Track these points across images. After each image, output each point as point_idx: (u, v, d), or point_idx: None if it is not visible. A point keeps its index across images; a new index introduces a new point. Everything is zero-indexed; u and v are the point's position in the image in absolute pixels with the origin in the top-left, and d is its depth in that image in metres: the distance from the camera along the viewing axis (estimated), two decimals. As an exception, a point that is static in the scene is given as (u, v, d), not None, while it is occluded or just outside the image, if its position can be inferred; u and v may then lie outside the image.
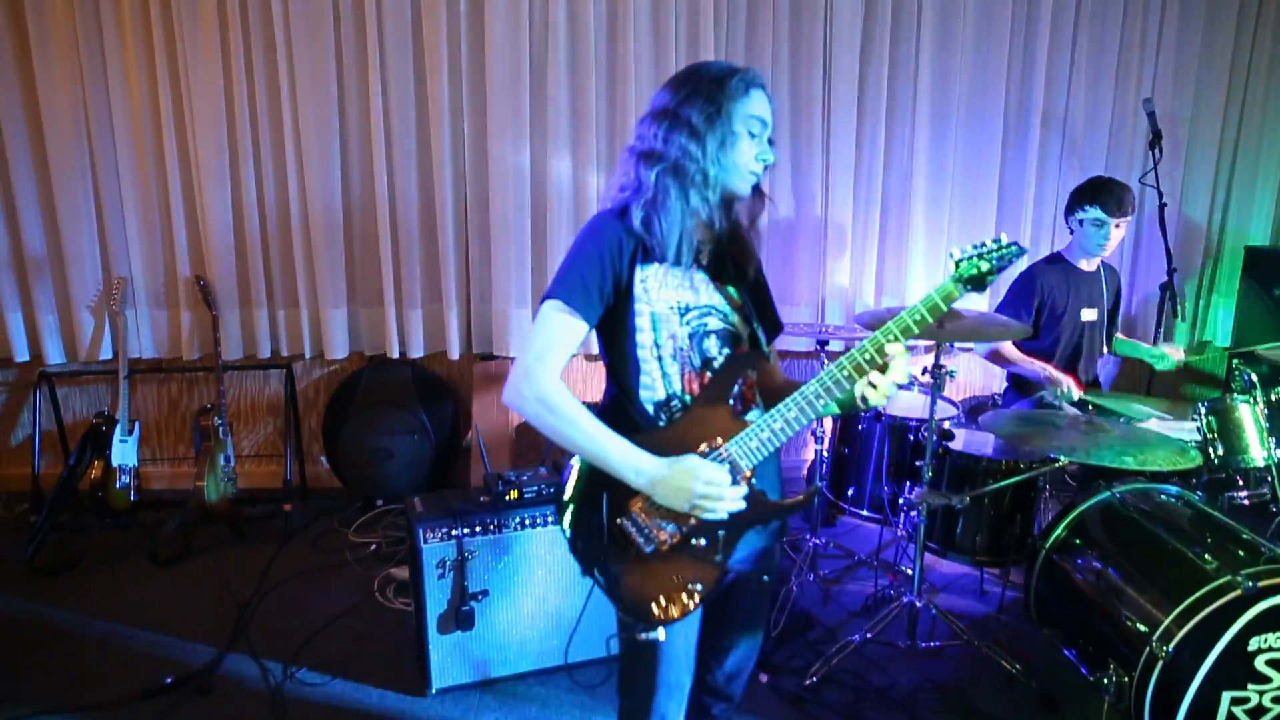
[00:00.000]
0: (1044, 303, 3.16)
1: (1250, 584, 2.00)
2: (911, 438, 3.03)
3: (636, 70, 3.55)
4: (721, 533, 1.52)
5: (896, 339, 1.46)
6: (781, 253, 3.90)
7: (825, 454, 3.24)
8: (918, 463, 2.74)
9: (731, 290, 1.63)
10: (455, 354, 3.79)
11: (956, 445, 2.85)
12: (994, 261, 1.43)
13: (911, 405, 3.20)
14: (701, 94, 1.51)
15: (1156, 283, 3.87)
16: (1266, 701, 2.11)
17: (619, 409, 1.57)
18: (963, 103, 3.80)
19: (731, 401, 1.56)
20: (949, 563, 3.30)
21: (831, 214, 3.87)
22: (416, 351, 3.78)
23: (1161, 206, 3.72)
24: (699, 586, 1.52)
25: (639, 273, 1.53)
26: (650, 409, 1.55)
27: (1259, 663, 2.10)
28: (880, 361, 1.47)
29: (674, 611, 1.52)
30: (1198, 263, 4.15)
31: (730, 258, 1.65)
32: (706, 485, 1.45)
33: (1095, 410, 2.66)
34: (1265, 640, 2.08)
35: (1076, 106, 3.86)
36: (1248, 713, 2.12)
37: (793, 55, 3.69)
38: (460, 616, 2.48)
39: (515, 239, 3.65)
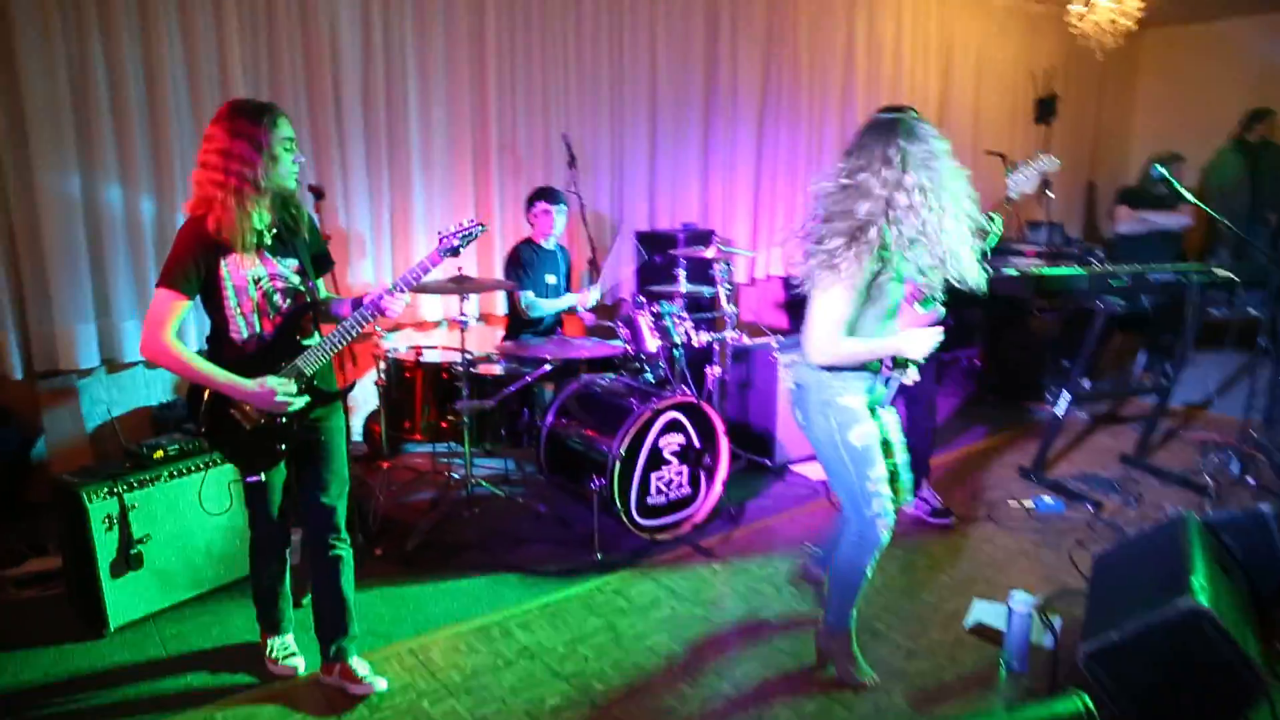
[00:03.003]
0: (526, 268, 4.59)
1: (653, 406, 3.60)
2: (445, 375, 4.22)
3: (175, 105, 4.15)
4: (296, 413, 2.49)
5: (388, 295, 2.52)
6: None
7: (382, 398, 4.27)
8: (456, 384, 3.93)
9: (291, 260, 2.50)
10: (18, 374, 4.00)
11: (478, 370, 4.12)
12: (465, 238, 2.66)
13: (442, 354, 4.38)
14: (244, 134, 2.30)
15: (585, 259, 5.58)
16: (670, 475, 3.75)
17: (218, 342, 2.50)
18: (443, 136, 5.07)
19: (297, 335, 2.53)
20: (489, 461, 4.60)
21: (353, 224, 4.88)
22: (-29, 376, 3.92)
23: (582, 206, 5.40)
24: (283, 446, 2.52)
25: (222, 260, 2.42)
26: (239, 342, 2.47)
27: (665, 454, 3.72)
28: (380, 310, 2.50)
29: (268, 462, 2.53)
30: (609, 242, 6.00)
31: (287, 231, 2.52)
32: (282, 395, 2.43)
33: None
34: (666, 440, 3.71)
35: (521, 138, 5.39)
36: (664, 484, 3.74)
37: (308, 100, 4.60)
38: (130, 559, 3.05)
39: (72, 261, 4.00)
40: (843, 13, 6.82)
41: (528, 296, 4.59)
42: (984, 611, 3.20)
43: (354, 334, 2.51)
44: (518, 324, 4.73)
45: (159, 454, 3.18)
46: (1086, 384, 4.64)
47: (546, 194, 4.68)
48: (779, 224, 6.77)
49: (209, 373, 2.40)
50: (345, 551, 2.71)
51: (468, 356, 3.90)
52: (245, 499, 2.66)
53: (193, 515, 3.23)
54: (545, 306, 4.64)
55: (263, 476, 2.58)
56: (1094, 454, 4.98)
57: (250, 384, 2.41)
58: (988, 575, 3.52)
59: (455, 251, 2.66)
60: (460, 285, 3.73)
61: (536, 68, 5.38)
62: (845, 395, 2.55)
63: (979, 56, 8.06)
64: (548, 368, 4.05)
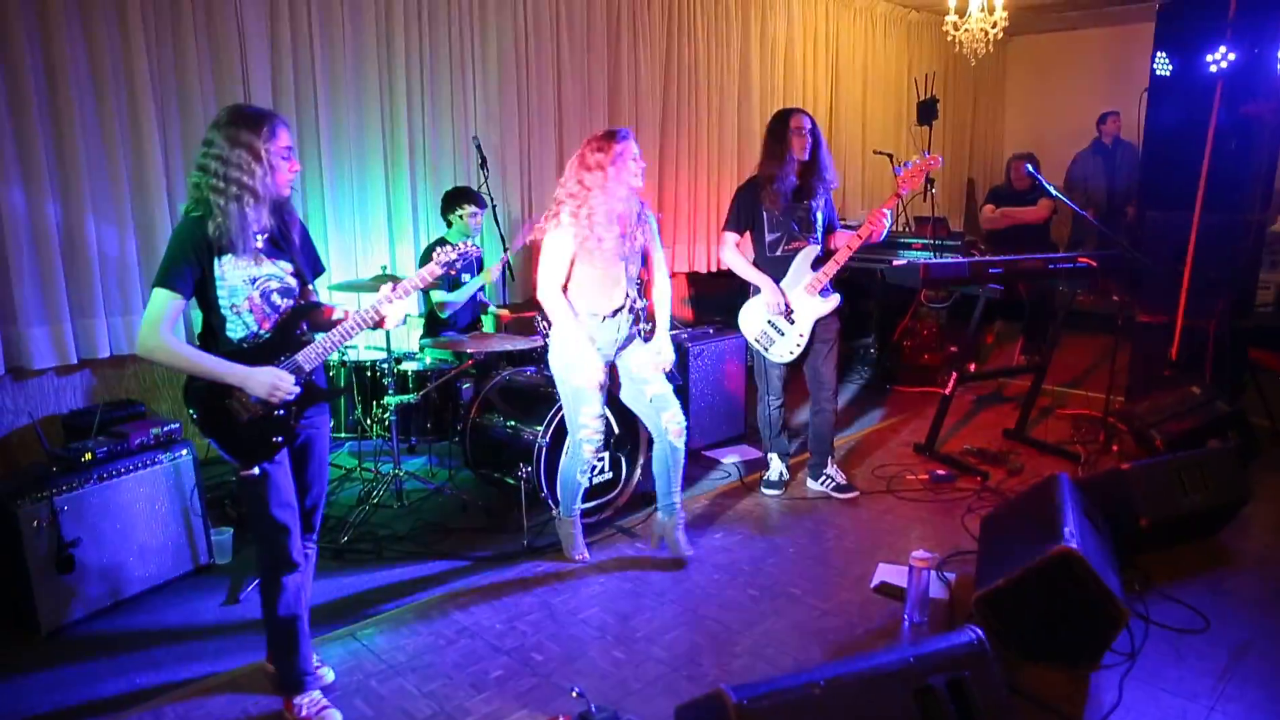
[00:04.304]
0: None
1: (577, 395, 3.78)
2: (370, 373, 4.30)
3: (79, 109, 4.09)
4: (293, 406, 2.52)
5: (389, 301, 2.62)
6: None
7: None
8: (385, 381, 4.03)
9: (284, 261, 2.60)
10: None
11: (405, 366, 4.22)
12: (464, 258, 2.79)
13: (364, 354, 4.46)
14: (243, 143, 2.35)
15: (500, 259, 5.71)
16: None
17: (212, 340, 2.51)
18: (355, 139, 5.12)
19: (298, 331, 2.60)
20: (415, 456, 4.69)
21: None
22: None
23: (493, 206, 5.52)
24: (279, 439, 2.51)
25: (216, 261, 2.47)
26: (235, 339, 2.51)
27: (589, 440, 3.90)
28: (379, 317, 2.63)
29: (265, 454, 2.49)
30: (521, 245, 6.13)
31: (280, 236, 2.60)
32: (278, 381, 2.45)
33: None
34: (589, 427, 3.88)
35: (430, 141, 5.47)
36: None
37: (216, 103, 4.59)
38: (60, 563, 3.04)
39: (-28, 266, 3.92)
40: (737, 16, 7.14)
41: (441, 295, 4.69)
42: (888, 573, 3.50)
43: (351, 336, 2.59)
44: (435, 323, 4.83)
45: (88, 456, 3.17)
46: (971, 367, 5.04)
47: (473, 197, 4.79)
48: (684, 222, 7.04)
49: (207, 362, 2.42)
50: (313, 551, 2.78)
51: (393, 354, 3.99)
52: (244, 497, 2.62)
53: (124, 517, 3.24)
54: (458, 298, 4.74)
55: (257, 471, 2.48)
56: (980, 430, 5.40)
57: (250, 369, 2.42)
58: (889, 541, 3.83)
59: (453, 266, 2.77)
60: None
61: (444, 71, 5.47)
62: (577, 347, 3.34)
63: (865, 62, 8.53)
64: (470, 362, 4.18)
